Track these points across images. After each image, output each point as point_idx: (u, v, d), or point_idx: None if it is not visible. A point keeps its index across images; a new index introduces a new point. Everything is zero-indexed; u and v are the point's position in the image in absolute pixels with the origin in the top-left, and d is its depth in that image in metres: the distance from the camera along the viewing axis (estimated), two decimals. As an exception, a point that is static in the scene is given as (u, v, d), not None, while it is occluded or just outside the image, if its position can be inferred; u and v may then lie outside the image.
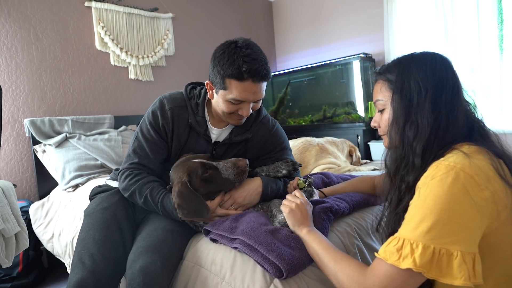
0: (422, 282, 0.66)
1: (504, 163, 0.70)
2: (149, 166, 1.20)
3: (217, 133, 1.27)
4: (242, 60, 1.06)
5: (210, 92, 1.19)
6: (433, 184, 0.67)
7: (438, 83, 0.75)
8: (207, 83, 1.18)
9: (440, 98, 0.74)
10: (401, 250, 0.65)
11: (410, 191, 0.75)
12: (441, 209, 0.63)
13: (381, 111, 0.86)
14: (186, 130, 1.22)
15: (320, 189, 1.32)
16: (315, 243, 0.86)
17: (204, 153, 1.25)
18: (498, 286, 0.70)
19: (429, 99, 0.74)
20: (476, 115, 0.80)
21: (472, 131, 0.76)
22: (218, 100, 1.16)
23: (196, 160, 1.11)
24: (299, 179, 1.17)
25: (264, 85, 1.14)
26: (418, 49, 0.85)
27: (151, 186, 1.14)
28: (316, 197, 1.19)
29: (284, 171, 1.23)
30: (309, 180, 1.17)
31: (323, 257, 0.82)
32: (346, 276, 0.74)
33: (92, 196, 1.28)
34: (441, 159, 0.70)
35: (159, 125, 1.20)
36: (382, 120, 0.86)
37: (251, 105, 1.16)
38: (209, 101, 1.26)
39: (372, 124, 0.90)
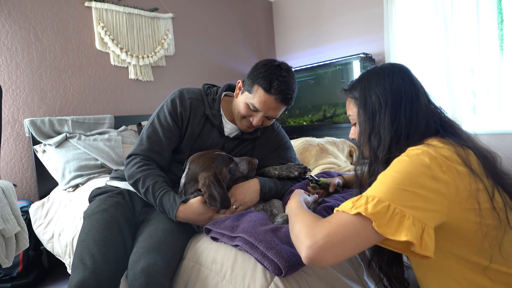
0: (374, 244, 0.68)
1: (475, 155, 0.74)
2: (160, 152, 1.24)
3: (230, 128, 1.34)
4: (277, 78, 1.18)
5: (238, 91, 1.30)
6: (400, 158, 0.73)
7: (397, 95, 0.81)
8: (239, 81, 1.30)
9: (399, 109, 0.80)
10: (356, 202, 0.68)
11: None
12: (403, 177, 0.68)
13: (355, 124, 0.93)
14: (201, 121, 1.30)
15: (341, 174, 1.40)
16: (290, 209, 0.89)
17: (216, 145, 1.32)
18: (472, 272, 0.72)
19: (389, 111, 0.80)
20: (444, 115, 0.85)
21: (440, 130, 0.81)
22: (240, 100, 1.27)
23: (222, 152, 1.17)
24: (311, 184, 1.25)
25: (282, 108, 1.25)
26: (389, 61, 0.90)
27: (156, 179, 1.15)
28: (337, 180, 1.27)
29: (296, 173, 1.32)
30: (321, 180, 1.24)
31: (290, 217, 0.85)
32: (299, 223, 0.75)
33: (92, 198, 1.28)
34: (413, 146, 0.75)
35: (177, 113, 1.26)
36: (356, 133, 0.93)
37: (263, 118, 1.25)
38: (225, 99, 1.36)
39: (350, 136, 0.98)
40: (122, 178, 1.33)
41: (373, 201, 0.66)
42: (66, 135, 2.19)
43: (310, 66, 3.46)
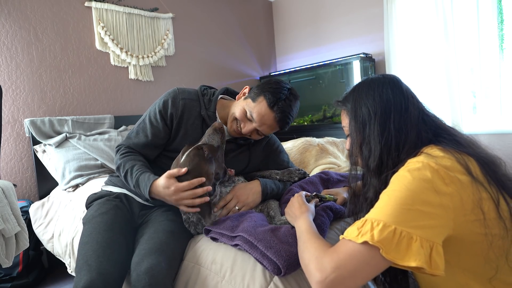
0: (385, 268, 0.66)
1: (476, 161, 0.73)
2: (144, 148, 1.26)
3: (225, 130, 1.32)
4: (284, 100, 1.20)
5: (241, 95, 1.31)
6: (401, 173, 0.71)
7: (386, 106, 0.82)
8: (246, 87, 1.31)
9: (389, 119, 0.81)
10: (361, 228, 0.67)
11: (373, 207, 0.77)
12: (406, 196, 0.66)
13: (349, 135, 0.94)
14: (196, 122, 1.29)
15: (342, 175, 1.41)
16: (299, 230, 0.88)
17: None
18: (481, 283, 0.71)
19: (378, 122, 0.81)
20: (441, 122, 0.85)
21: (433, 139, 0.80)
22: (240, 104, 1.26)
23: (186, 151, 1.09)
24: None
25: (276, 129, 1.26)
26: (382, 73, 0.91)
27: (135, 163, 1.17)
28: (345, 194, 1.22)
29: (296, 178, 1.38)
30: (327, 198, 1.18)
31: (298, 240, 0.84)
32: (308, 253, 0.74)
33: (89, 204, 1.28)
34: (412, 158, 0.74)
35: (167, 113, 1.27)
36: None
37: (253, 131, 1.25)
38: (221, 102, 1.36)
39: (346, 147, 0.98)
40: (117, 184, 1.33)
41: (379, 227, 0.64)
42: (66, 135, 2.19)
43: (310, 66, 3.46)
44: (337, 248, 0.68)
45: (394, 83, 0.85)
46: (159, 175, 1.20)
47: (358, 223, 0.69)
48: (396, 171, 0.74)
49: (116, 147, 1.28)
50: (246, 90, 1.30)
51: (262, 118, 1.20)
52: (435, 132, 0.81)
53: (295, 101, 1.24)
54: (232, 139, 1.34)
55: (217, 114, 1.32)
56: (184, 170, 1.02)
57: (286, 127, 1.26)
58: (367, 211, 0.75)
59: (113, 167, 2.13)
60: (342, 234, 1.01)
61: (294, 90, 1.26)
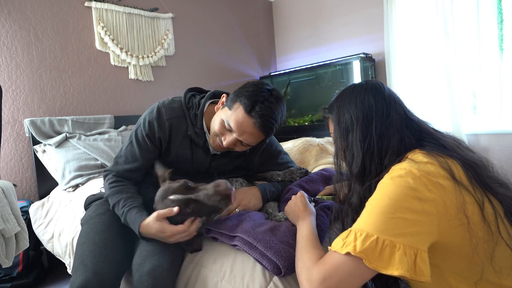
0: (371, 277, 0.67)
1: (461, 165, 0.73)
2: (136, 171, 1.19)
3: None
4: (262, 102, 1.05)
5: (220, 105, 1.17)
6: (384, 181, 0.72)
7: (368, 112, 0.83)
8: (224, 95, 1.17)
9: (371, 125, 0.82)
10: (345, 239, 0.68)
11: (358, 213, 0.77)
12: (388, 204, 0.67)
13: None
14: (184, 141, 1.20)
15: None
16: (300, 234, 0.89)
17: (202, 164, 1.24)
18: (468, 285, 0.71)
19: (360, 128, 0.82)
20: (426, 126, 0.85)
21: (416, 144, 0.80)
22: (218, 116, 1.14)
23: (173, 198, 0.98)
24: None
25: (260, 136, 1.11)
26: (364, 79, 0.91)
27: (121, 196, 1.10)
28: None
29: (298, 178, 1.35)
30: (325, 198, 1.18)
31: (297, 244, 0.86)
32: (301, 262, 0.77)
33: (87, 205, 1.27)
34: (396, 164, 0.75)
35: (155, 137, 1.17)
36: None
37: (236, 141, 1.11)
38: (208, 111, 1.22)
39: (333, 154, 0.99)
40: None
41: (361, 237, 0.65)
42: (66, 135, 2.19)
43: (310, 66, 3.46)
44: (324, 259, 0.70)
45: (376, 90, 0.85)
46: (150, 187, 1.16)
47: (343, 234, 0.70)
48: (381, 178, 0.74)
49: (104, 172, 1.21)
50: (224, 98, 1.16)
51: (241, 126, 1.06)
52: (419, 137, 0.81)
53: (278, 104, 1.09)
54: (225, 152, 1.24)
55: (205, 128, 1.19)
56: (176, 209, 0.94)
57: (271, 133, 1.12)
58: (352, 216, 0.77)
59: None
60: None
61: (277, 91, 1.12)
